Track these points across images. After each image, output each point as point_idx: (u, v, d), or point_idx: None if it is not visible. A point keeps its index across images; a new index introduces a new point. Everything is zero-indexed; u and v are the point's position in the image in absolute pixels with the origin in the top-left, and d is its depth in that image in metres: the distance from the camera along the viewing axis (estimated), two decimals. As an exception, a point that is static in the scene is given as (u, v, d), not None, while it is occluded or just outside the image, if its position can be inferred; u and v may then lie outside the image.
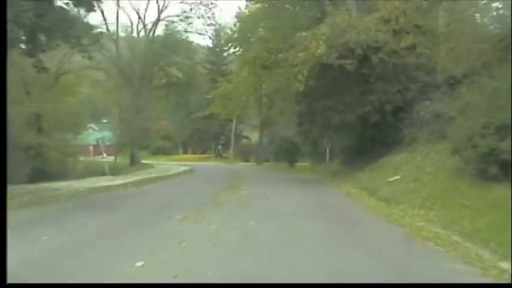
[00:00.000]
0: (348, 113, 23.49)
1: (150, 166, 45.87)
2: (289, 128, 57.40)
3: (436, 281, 6.37)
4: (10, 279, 5.20)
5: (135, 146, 51.08)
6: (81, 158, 37.19)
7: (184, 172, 35.06)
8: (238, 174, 33.61)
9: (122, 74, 49.68)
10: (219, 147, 62.61)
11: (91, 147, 62.35)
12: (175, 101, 53.41)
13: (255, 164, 55.91)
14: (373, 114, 22.94)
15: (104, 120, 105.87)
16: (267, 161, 58.70)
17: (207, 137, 74.11)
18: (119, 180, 23.41)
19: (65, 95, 42.65)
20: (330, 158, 38.04)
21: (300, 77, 22.75)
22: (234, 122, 64.52)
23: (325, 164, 38.00)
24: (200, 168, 43.08)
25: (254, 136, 72.25)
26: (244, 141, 75.94)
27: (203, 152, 76.90)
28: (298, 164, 49.31)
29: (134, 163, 49.79)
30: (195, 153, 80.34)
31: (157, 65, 51.45)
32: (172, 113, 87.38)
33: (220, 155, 73.26)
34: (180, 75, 52.82)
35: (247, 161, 67.37)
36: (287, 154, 48.71)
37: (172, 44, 50.88)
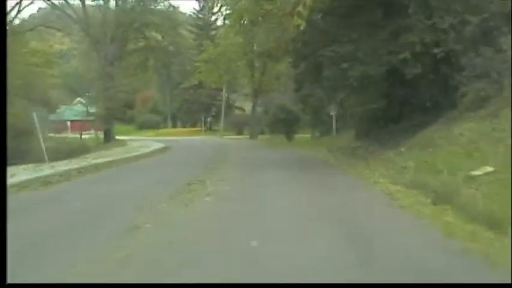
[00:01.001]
0: (372, 63, 15.50)
1: (122, 143, 38.00)
2: (286, 94, 49.66)
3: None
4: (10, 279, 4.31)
5: (109, 119, 42.99)
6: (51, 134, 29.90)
7: (155, 152, 27.26)
8: (224, 152, 25.82)
9: (90, 36, 41.34)
10: (209, 119, 54.61)
11: (68, 123, 54.78)
12: (156, 67, 44.42)
13: (248, 137, 48.02)
14: (411, 65, 14.95)
15: (87, 94, 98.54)
16: (262, 133, 50.82)
17: (197, 109, 65.91)
18: (48, 170, 15.58)
19: (32, 58, 38.68)
20: (338, 129, 30.08)
21: (300, 8, 14.46)
22: (224, 91, 56.19)
23: (331, 136, 30.16)
24: (181, 145, 35.21)
25: (248, 106, 64.27)
26: (237, 112, 67.95)
27: (193, 125, 68.71)
28: (298, 136, 41.52)
29: (109, 139, 41.93)
30: (184, 127, 72.41)
31: (132, 27, 43.04)
32: (159, 83, 79.36)
33: (210, 128, 65.40)
34: (159, 37, 44.55)
35: (240, 134, 59.56)
36: (284, 125, 40.83)
37: (148, 2, 42.49)
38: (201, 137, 53.94)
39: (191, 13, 68.22)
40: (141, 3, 42.11)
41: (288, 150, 26.65)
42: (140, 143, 38.55)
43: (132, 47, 44.02)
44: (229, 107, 67.15)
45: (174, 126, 75.36)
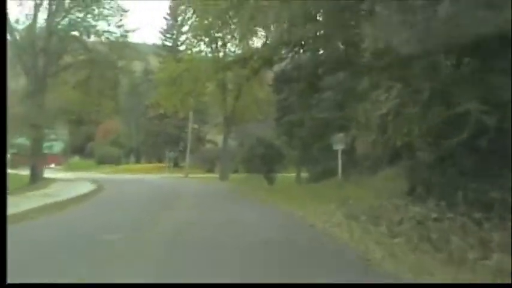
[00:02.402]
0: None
1: (45, 185, 27.11)
2: (266, 124, 39.22)
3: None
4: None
5: (36, 151, 31.90)
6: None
7: (74, 201, 16.55)
8: (167, 208, 14.98)
9: (13, 44, 30.58)
10: (171, 154, 43.48)
11: None
12: (98, 89, 33.22)
13: (218, 176, 37.05)
14: None
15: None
16: (235, 171, 39.98)
17: (163, 142, 54.93)
18: None
19: None
20: (345, 171, 19.15)
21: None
22: (190, 120, 45.03)
23: (335, 181, 19.33)
24: (119, 189, 24.41)
25: (221, 139, 53.76)
26: (208, 146, 57.19)
27: (160, 161, 57.34)
28: (281, 176, 30.94)
29: (35, 179, 30.81)
30: (150, 162, 61.14)
31: (68, 34, 32.46)
32: (125, 113, 68.59)
33: (177, 165, 54.33)
34: (105, 50, 33.86)
35: (211, 171, 48.61)
36: (263, 163, 30.17)
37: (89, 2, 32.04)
38: (162, 176, 42.84)
39: (159, 31, 57.91)
40: (82, 4, 31.60)
41: (270, 207, 15.83)
42: (70, 184, 27.62)
43: (70, 60, 33.23)
44: (199, 140, 56.44)
45: (138, 161, 64.08)
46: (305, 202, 15.44)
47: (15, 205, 14.46)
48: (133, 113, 65.57)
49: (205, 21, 28.21)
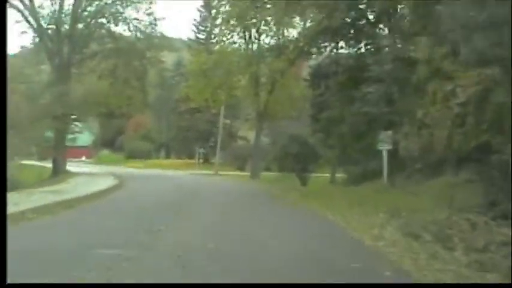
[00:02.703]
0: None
1: (63, 179, 25.55)
2: (301, 121, 36.94)
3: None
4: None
5: (58, 144, 30.40)
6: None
7: (84, 200, 14.75)
8: (185, 215, 12.86)
9: (37, 31, 29.17)
10: (201, 150, 41.28)
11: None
12: (125, 79, 31.18)
13: (248, 175, 34.85)
14: None
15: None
16: (267, 169, 37.82)
17: (194, 137, 53.06)
18: None
19: None
20: (391, 174, 16.70)
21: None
22: (221, 115, 42.95)
23: (380, 184, 16.96)
24: (141, 186, 22.58)
25: (253, 136, 51.63)
26: (240, 142, 55.11)
27: (190, 157, 55.30)
28: (315, 176, 28.71)
29: (57, 172, 29.32)
30: (180, 158, 59.46)
31: (96, 21, 30.80)
32: (153, 105, 67.26)
33: (207, 161, 52.45)
34: (129, 34, 32.00)
35: (241, 169, 46.46)
36: (296, 162, 27.99)
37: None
38: (191, 172, 40.93)
39: (192, 24, 56.03)
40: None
41: (306, 214, 13.54)
42: (90, 179, 25.97)
43: (96, 48, 31.55)
44: (231, 136, 54.37)
45: (168, 157, 62.54)
46: (345, 208, 13.10)
47: (15, 203, 12.61)
48: (165, 107, 64.05)
49: (239, 8, 26.14)
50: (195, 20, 55.49)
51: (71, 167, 34.75)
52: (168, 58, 74.58)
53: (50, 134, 38.03)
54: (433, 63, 11.91)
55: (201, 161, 49.93)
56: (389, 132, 15.83)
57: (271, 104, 33.02)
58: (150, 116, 66.81)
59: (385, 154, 16.37)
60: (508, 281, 4.30)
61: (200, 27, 54.69)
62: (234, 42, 31.58)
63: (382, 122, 17.03)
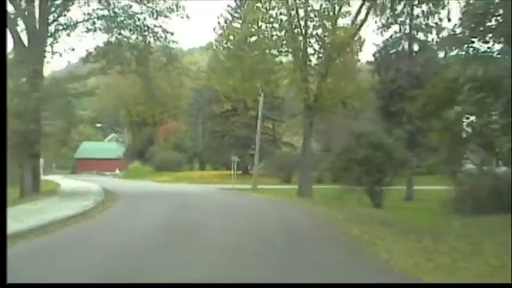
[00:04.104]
0: None
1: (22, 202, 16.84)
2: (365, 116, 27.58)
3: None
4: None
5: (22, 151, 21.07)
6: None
7: None
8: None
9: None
10: (235, 158, 31.84)
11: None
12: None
13: (296, 189, 25.13)
14: None
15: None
16: (318, 181, 28.47)
17: (230, 144, 43.82)
18: None
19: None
20: None
21: None
22: (260, 107, 32.63)
23: None
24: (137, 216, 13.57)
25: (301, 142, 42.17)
26: (284, 149, 45.65)
27: (228, 168, 45.68)
28: (394, 189, 19.31)
29: (26, 191, 20.60)
30: (216, 169, 50.41)
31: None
32: (186, 110, 59.00)
33: (246, 172, 43.23)
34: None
35: (287, 181, 37.16)
36: (365, 171, 18.56)
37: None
38: (222, 187, 31.67)
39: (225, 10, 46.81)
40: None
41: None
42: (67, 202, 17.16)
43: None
44: (273, 142, 45.02)
45: (203, 167, 53.55)
46: None
47: None
48: (199, 112, 55.48)
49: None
50: (228, 6, 46.32)
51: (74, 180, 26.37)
52: (201, 58, 66.55)
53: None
54: None
55: (237, 172, 40.67)
56: None
57: (324, 92, 23.37)
58: (182, 123, 58.38)
59: None
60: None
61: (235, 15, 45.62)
62: (272, 7, 22.13)
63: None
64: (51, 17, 21.43)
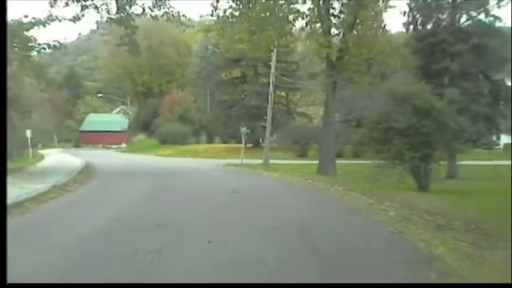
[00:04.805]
0: None
1: None
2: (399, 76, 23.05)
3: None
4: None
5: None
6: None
7: None
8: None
9: None
10: (244, 130, 27.57)
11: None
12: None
13: (314, 165, 20.72)
14: None
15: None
16: (339, 155, 24.17)
17: (240, 115, 39.39)
18: None
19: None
20: None
21: None
22: (271, 79, 28.07)
23: None
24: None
25: (319, 112, 37.54)
26: (299, 120, 41.19)
27: (238, 141, 40.93)
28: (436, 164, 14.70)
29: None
30: (225, 142, 46.10)
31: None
32: (198, 82, 54.47)
33: (257, 145, 39.06)
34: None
35: (302, 156, 33.00)
36: (407, 143, 14.05)
37: None
38: (228, 163, 27.33)
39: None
40: None
41: None
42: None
43: None
44: (288, 113, 40.52)
45: (210, 141, 49.12)
46: None
47: None
48: (207, 81, 50.95)
49: None
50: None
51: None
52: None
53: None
54: None
55: (249, 145, 36.31)
56: None
57: (351, 47, 18.71)
58: (189, 93, 53.89)
59: None
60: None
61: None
62: None
63: None
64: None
